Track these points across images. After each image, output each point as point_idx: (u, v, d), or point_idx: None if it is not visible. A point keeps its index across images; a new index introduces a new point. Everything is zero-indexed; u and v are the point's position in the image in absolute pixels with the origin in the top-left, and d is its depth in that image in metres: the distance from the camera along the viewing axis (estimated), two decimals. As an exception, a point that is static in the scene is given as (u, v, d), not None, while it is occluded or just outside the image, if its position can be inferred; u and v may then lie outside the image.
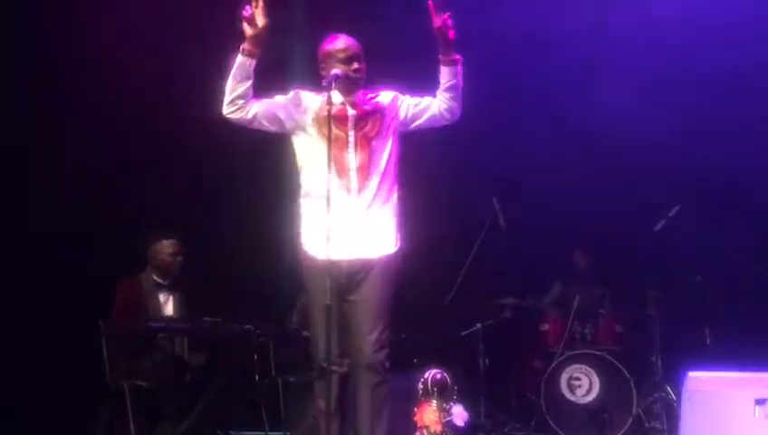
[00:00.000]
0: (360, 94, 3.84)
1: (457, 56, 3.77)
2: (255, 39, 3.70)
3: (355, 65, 3.77)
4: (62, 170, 6.16)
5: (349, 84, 3.75)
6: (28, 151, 6.04)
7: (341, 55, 3.78)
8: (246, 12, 3.68)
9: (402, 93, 3.89)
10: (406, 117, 3.84)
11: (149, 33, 6.02)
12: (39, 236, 6.02)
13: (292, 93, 3.86)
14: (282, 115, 3.81)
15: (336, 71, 3.69)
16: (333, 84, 3.67)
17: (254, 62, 3.74)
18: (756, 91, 6.23)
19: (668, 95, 6.42)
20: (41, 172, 6.09)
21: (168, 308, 5.49)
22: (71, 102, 6.12)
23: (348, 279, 3.66)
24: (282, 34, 6.43)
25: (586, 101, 6.50)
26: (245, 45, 3.71)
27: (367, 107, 3.82)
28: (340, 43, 3.81)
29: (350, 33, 3.87)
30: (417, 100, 3.87)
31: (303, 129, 3.81)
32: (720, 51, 6.23)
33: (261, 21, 3.68)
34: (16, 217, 5.94)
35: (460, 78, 3.82)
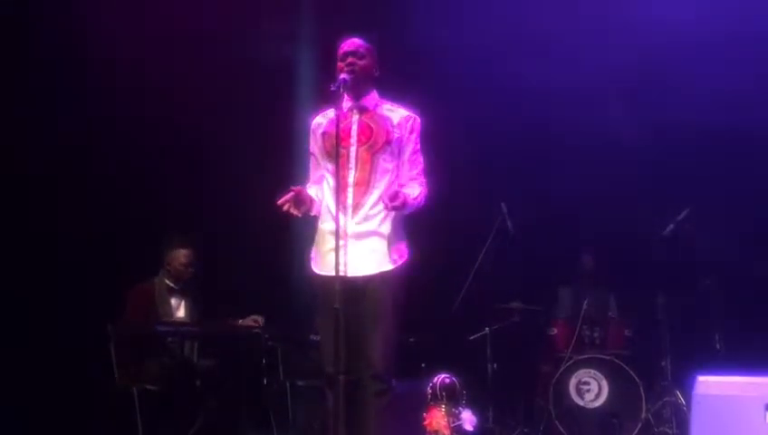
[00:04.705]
0: (369, 99, 3.82)
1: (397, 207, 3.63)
2: (304, 210, 3.74)
3: (349, 59, 3.74)
4: (78, 171, 6.17)
5: (351, 84, 3.70)
6: (35, 152, 6.06)
7: (341, 54, 3.79)
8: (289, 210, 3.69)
9: (420, 128, 3.83)
10: (402, 147, 3.78)
11: (163, 34, 6.03)
12: (44, 235, 6.03)
13: (311, 131, 3.89)
14: (321, 166, 3.84)
15: (344, 76, 3.69)
16: (341, 89, 3.65)
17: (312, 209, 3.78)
18: (763, 99, 6.21)
19: (676, 100, 6.41)
20: (50, 173, 6.11)
21: (180, 312, 5.52)
22: (79, 100, 6.14)
23: (347, 295, 3.54)
24: (290, 41, 6.51)
25: (593, 105, 6.50)
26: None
27: (377, 114, 3.78)
28: (344, 42, 3.81)
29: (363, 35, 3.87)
30: (410, 154, 3.79)
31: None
32: (726, 60, 6.22)
33: (300, 210, 3.69)
34: (22, 217, 5.96)
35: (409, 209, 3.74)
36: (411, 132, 3.81)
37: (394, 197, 3.59)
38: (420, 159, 3.85)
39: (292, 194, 3.66)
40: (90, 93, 6.10)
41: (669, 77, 6.49)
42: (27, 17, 5.95)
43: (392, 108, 3.85)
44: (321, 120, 3.88)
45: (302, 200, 3.69)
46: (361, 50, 3.78)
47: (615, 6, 6.28)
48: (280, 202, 3.66)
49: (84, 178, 6.16)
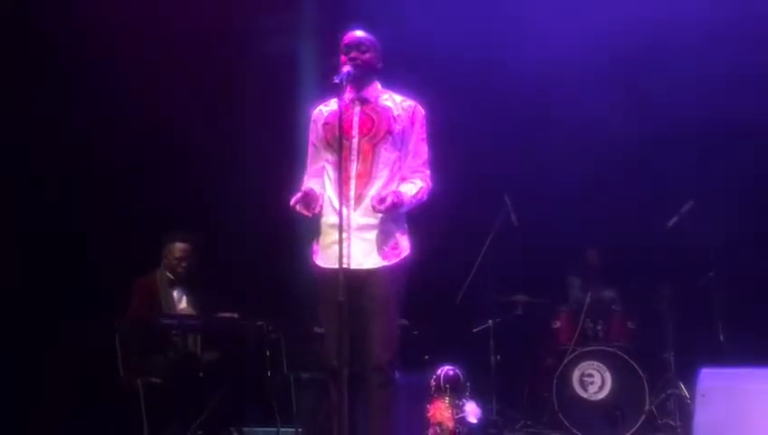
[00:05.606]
0: (371, 90, 3.81)
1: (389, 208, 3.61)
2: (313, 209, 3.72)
3: (353, 53, 3.74)
4: (78, 171, 6.17)
5: (355, 77, 3.69)
6: (35, 151, 6.06)
7: (343, 47, 3.79)
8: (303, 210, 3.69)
9: (424, 118, 3.82)
10: (404, 138, 3.77)
11: (161, 32, 6.03)
12: (49, 234, 6.04)
13: (312, 120, 3.89)
14: (320, 157, 3.83)
15: (348, 68, 3.68)
16: (345, 82, 3.65)
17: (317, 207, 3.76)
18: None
19: (680, 93, 6.39)
20: (51, 172, 6.11)
21: (182, 304, 5.54)
22: (80, 99, 6.13)
23: (350, 288, 3.54)
24: (292, 35, 6.50)
25: (596, 98, 6.48)
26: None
27: (378, 106, 3.78)
28: (347, 35, 3.81)
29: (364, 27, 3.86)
30: (414, 144, 3.78)
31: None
32: (728, 49, 6.20)
33: (310, 210, 3.69)
34: (25, 215, 5.97)
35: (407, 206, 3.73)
36: (413, 123, 3.80)
37: (381, 201, 3.60)
38: (425, 148, 3.84)
39: (301, 194, 3.67)
40: (90, 93, 6.10)
41: (674, 71, 6.46)
42: (27, 17, 5.94)
43: (394, 98, 3.84)
44: (323, 109, 3.88)
45: (310, 201, 3.70)
46: (365, 43, 3.78)
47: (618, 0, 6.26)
48: (292, 204, 3.66)
49: (85, 177, 6.16)
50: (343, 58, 3.76)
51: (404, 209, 3.74)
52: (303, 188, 3.72)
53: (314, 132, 3.88)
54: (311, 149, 3.90)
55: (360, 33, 3.80)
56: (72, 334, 5.84)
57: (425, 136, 3.84)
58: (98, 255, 6.08)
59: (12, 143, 5.94)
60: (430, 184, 3.83)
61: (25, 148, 6.00)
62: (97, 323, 5.38)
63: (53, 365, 5.87)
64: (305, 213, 3.69)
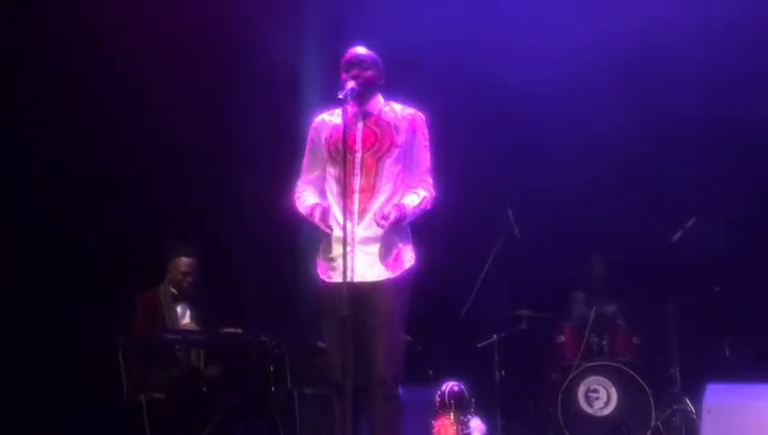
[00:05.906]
0: (373, 103, 3.82)
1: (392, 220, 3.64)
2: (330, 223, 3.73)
3: (354, 71, 3.75)
4: (78, 171, 6.16)
5: (358, 93, 3.71)
6: (35, 152, 6.05)
7: (345, 65, 3.80)
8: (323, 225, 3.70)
9: (425, 125, 3.84)
10: (408, 149, 3.78)
11: (161, 33, 6.03)
12: (49, 234, 6.03)
13: (312, 127, 3.88)
14: (318, 165, 3.84)
15: (352, 84, 3.69)
16: (349, 97, 3.66)
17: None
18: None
19: (686, 105, 6.38)
20: (51, 172, 6.10)
21: (186, 320, 5.53)
22: (86, 98, 6.13)
23: (354, 302, 3.54)
24: (296, 47, 6.51)
25: (600, 111, 6.47)
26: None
27: (381, 120, 3.79)
28: (348, 52, 3.82)
29: (364, 44, 3.87)
30: (417, 152, 3.80)
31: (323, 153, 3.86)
32: (728, 49, 6.19)
33: (328, 224, 3.70)
34: (25, 215, 5.96)
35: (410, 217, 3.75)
36: (414, 131, 3.82)
37: (385, 217, 3.61)
38: (427, 155, 3.85)
39: (321, 211, 3.68)
40: (90, 93, 6.08)
41: (674, 71, 6.45)
42: (27, 17, 5.95)
43: (394, 108, 3.85)
44: (325, 118, 3.88)
45: (328, 217, 3.70)
46: (367, 60, 3.80)
47: (618, 2, 6.25)
48: (318, 219, 3.68)
49: (85, 177, 6.15)
50: (344, 75, 3.76)
51: (407, 220, 3.75)
52: (323, 205, 3.73)
53: (315, 141, 3.88)
54: (308, 155, 3.90)
55: (361, 50, 3.82)
56: (72, 335, 5.82)
57: (426, 143, 3.86)
58: (98, 255, 6.06)
59: (12, 143, 5.93)
60: (433, 193, 3.84)
61: (25, 148, 5.99)
62: (97, 324, 5.37)
63: (53, 365, 5.85)
64: (327, 231, 3.69)
